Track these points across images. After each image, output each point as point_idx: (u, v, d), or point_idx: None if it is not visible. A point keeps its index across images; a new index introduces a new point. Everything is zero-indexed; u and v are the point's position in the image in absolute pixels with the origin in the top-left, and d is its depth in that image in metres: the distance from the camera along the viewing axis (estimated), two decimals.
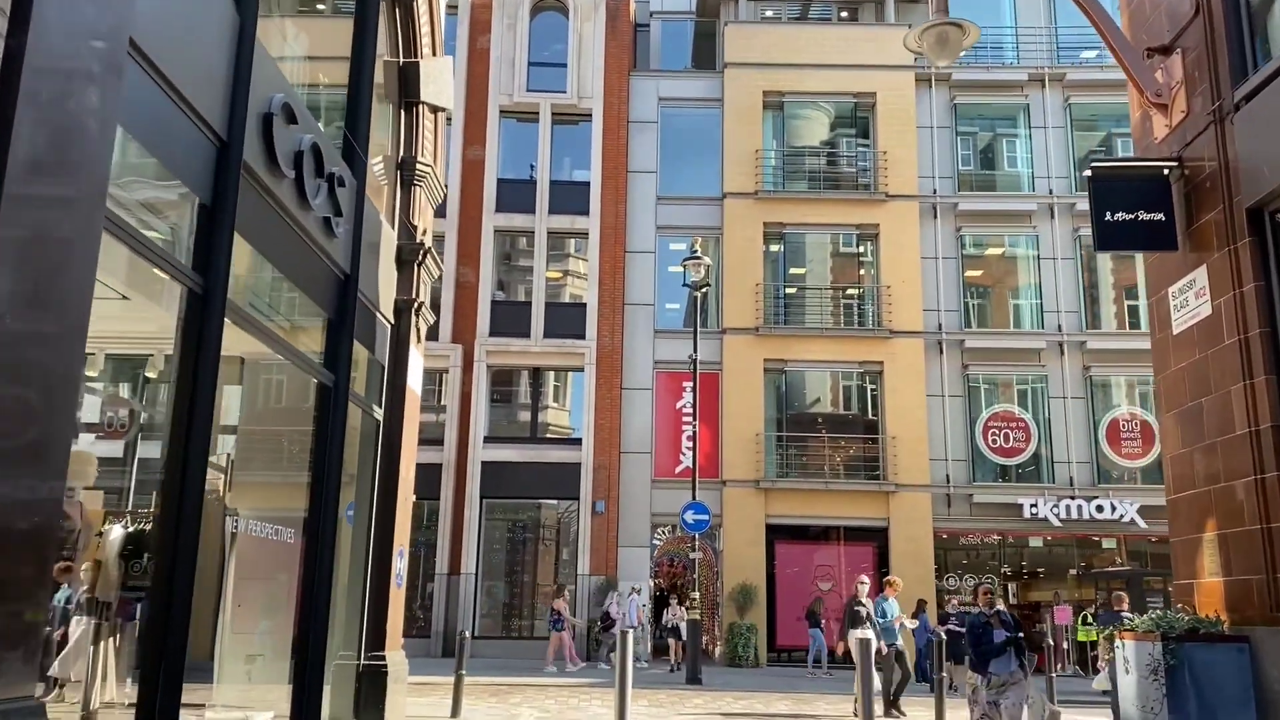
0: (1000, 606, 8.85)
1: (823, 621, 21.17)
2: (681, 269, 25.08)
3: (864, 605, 14.42)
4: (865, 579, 14.84)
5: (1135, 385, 24.28)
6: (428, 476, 24.19)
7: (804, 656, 22.31)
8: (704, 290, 20.51)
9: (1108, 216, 8.24)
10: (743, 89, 25.63)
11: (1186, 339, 7.93)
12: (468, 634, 13.54)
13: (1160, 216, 8.08)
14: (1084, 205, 24.75)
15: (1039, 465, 23.92)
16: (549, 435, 25.45)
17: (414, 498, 9.86)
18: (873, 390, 24.59)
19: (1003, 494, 23.45)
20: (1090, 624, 22.40)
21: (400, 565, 9.09)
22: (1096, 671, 20.90)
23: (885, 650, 13.77)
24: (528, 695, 15.84)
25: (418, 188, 9.60)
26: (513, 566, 25.10)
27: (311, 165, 6.65)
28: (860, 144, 26.00)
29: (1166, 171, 8.25)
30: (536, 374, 25.38)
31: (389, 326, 9.15)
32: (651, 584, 24.01)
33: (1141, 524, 22.71)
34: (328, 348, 7.38)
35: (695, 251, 19.95)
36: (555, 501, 25.12)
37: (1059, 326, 24.34)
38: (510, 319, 25.18)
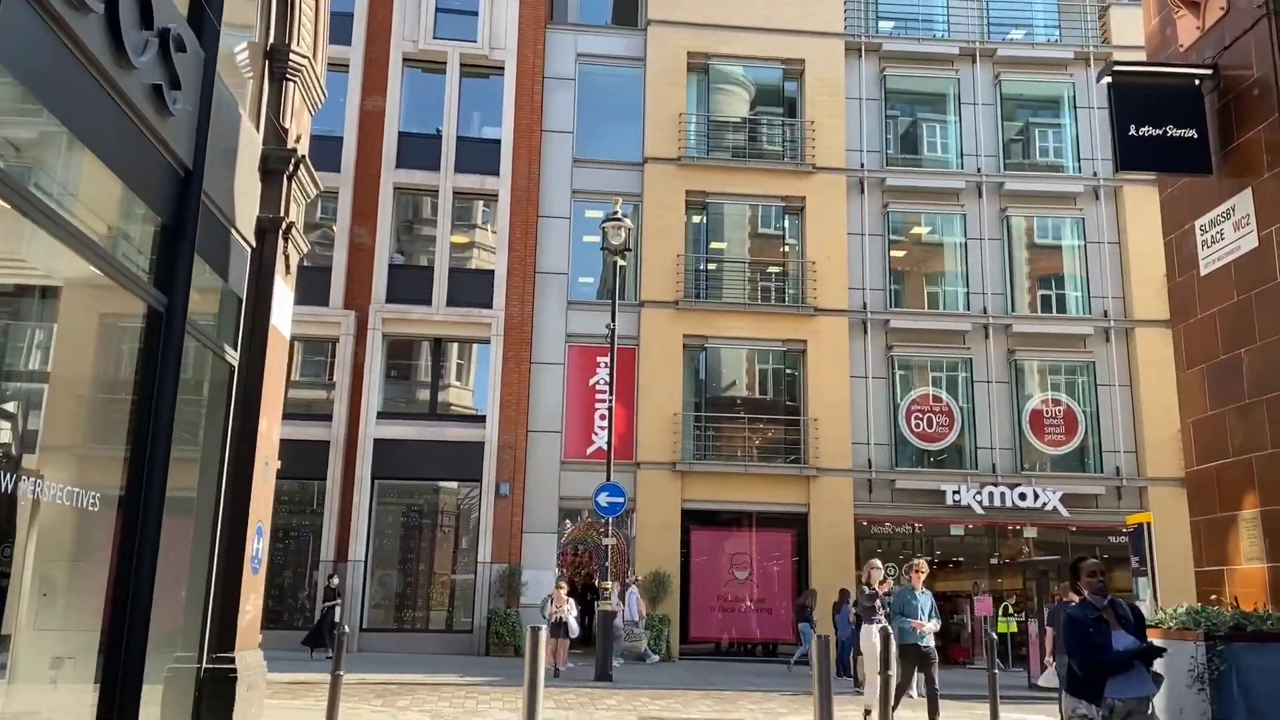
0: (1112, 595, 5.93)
1: (814, 617, 19.91)
2: (599, 237, 23.56)
3: (876, 596, 12.92)
4: (878, 563, 13.05)
5: (1060, 371, 23.70)
6: (314, 455, 22.18)
7: (715, 649, 21.16)
8: (623, 256, 18.98)
9: (1132, 131, 6.99)
10: (666, 48, 24.17)
11: (1220, 280, 6.77)
12: (346, 628, 11.74)
13: (1191, 133, 6.90)
14: (1012, 185, 24.18)
15: (962, 451, 23.14)
16: (450, 412, 23.63)
17: (278, 463, 8.09)
18: (794, 371, 23.46)
19: (926, 480, 22.58)
20: (1010, 615, 21.68)
21: (259, 546, 7.35)
22: (1020, 665, 20.21)
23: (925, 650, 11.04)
24: (419, 696, 14.13)
25: (291, 84, 7.80)
26: (407, 553, 23.22)
27: (134, 9, 4.92)
28: (787, 115, 24.79)
29: (1198, 82, 7.06)
30: (438, 345, 23.52)
31: (249, 250, 7.37)
32: (556, 573, 22.44)
33: (1064, 512, 22.11)
34: (159, 262, 5.62)
35: (616, 213, 18.42)
36: (455, 484, 23.34)
37: (984, 309, 23.59)
38: (410, 285, 23.26)
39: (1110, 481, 22.61)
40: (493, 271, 23.42)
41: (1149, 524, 13.25)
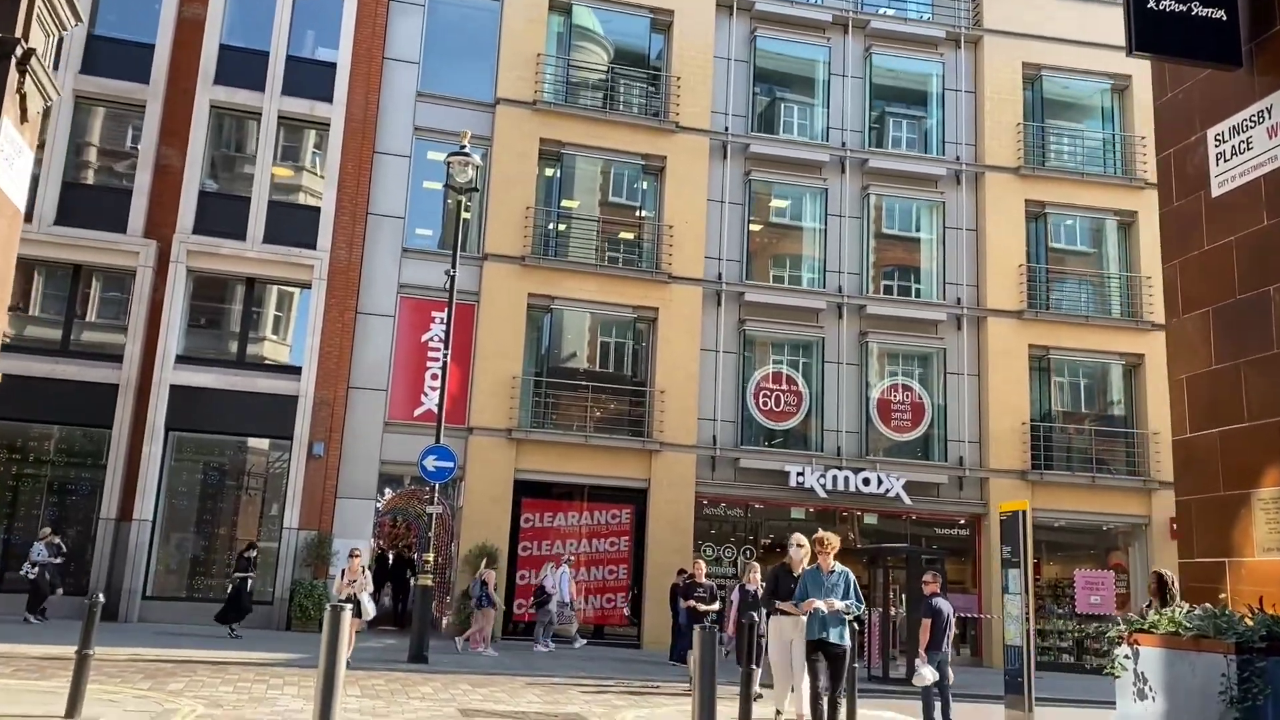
0: None
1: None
2: (442, 184, 21.63)
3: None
4: (802, 540, 10.66)
5: (910, 357, 23.30)
6: (100, 400, 19.50)
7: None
8: (469, 199, 17.14)
9: (1151, 4, 5.78)
10: None
11: (1241, 201, 5.57)
12: (101, 598, 9.66)
13: (1220, 14, 5.73)
14: (877, 163, 23.60)
15: (808, 432, 22.42)
16: (262, 361, 21.21)
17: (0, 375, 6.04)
18: (644, 340, 22.18)
19: (770, 460, 21.74)
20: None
21: None
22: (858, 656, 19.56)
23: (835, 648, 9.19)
24: (198, 678, 12.07)
25: None
26: (204, 515, 20.71)
27: None
28: (652, 70, 23.38)
29: None
30: (251, 286, 21.03)
31: None
32: (372, 544, 20.50)
33: (906, 500, 21.70)
34: None
35: (464, 148, 16.56)
36: (264, 440, 20.99)
37: (839, 288, 22.92)
38: (223, 216, 20.67)
39: (953, 471, 22.37)
40: (319, 209, 21.09)
41: (1025, 512, 12.52)
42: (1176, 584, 7.22)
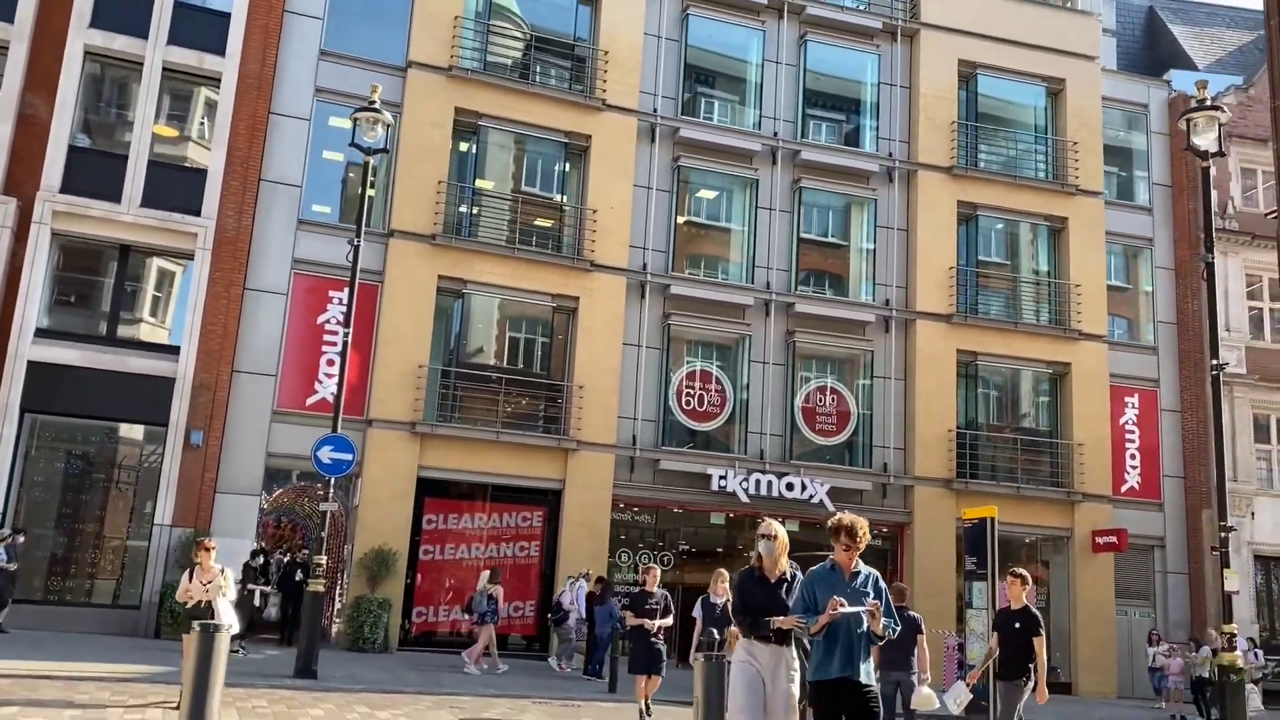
0: None
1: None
2: (342, 155, 19.88)
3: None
4: (775, 528, 8.72)
5: (837, 359, 22.40)
6: None
7: (447, 641, 18.11)
8: (377, 162, 15.46)
9: None
10: None
11: None
12: None
13: None
14: (808, 155, 22.64)
15: (731, 434, 21.31)
16: (135, 338, 19.05)
17: None
18: (562, 332, 20.73)
19: (692, 462, 20.55)
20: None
21: None
22: None
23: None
24: (42, 694, 10.17)
25: None
26: (64, 509, 18.48)
27: None
28: (579, 41, 21.97)
29: None
30: (125, 254, 18.88)
31: None
32: (256, 545, 18.59)
33: (830, 506, 20.63)
34: None
35: (374, 103, 14.87)
36: (136, 427, 18.88)
37: (767, 284, 21.88)
38: (95, 175, 18.49)
39: (877, 478, 21.53)
40: (205, 172, 19.06)
41: (993, 519, 11.55)
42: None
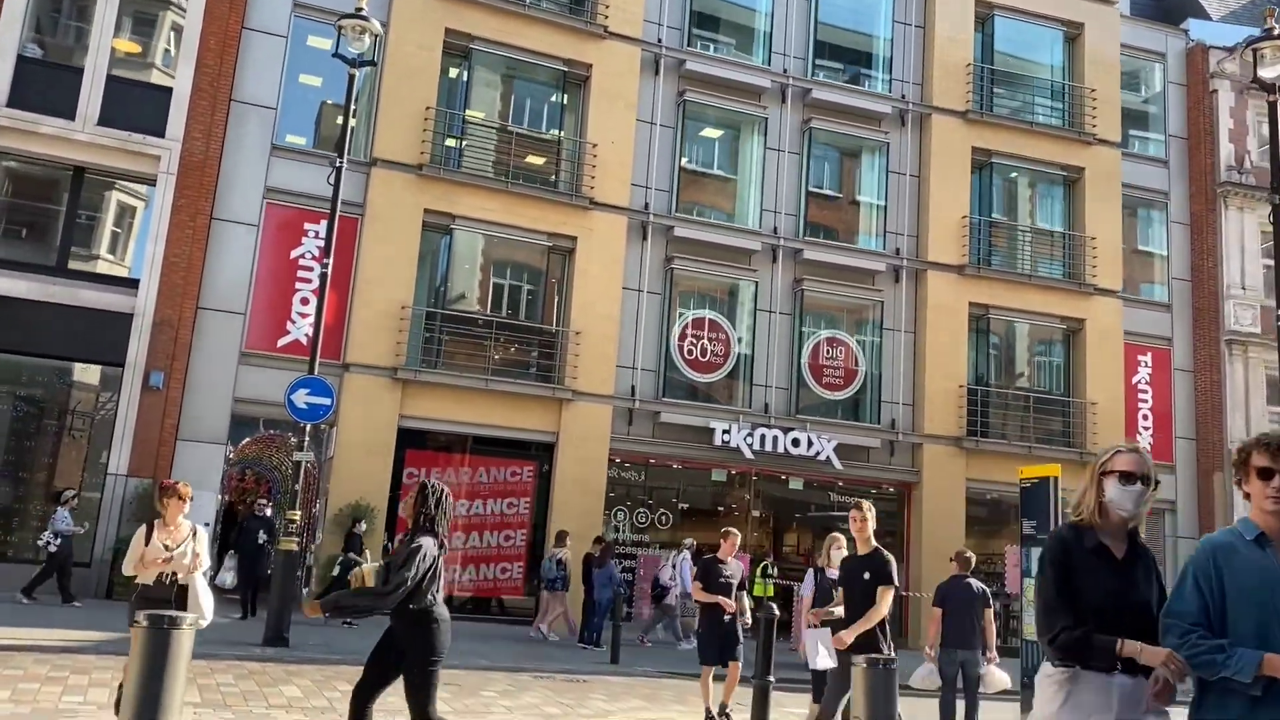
0: None
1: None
2: (321, 79, 18.27)
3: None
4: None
5: (845, 309, 21.20)
6: None
7: None
8: (364, 70, 13.90)
9: None
10: None
11: None
12: None
13: None
14: (819, 94, 21.29)
15: (735, 386, 20.08)
16: (91, 270, 17.37)
17: None
18: (558, 274, 19.31)
19: (695, 415, 19.30)
20: (771, 575, 18.85)
21: None
22: (783, 637, 17.40)
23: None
24: None
25: None
26: (7, 454, 16.86)
27: None
28: None
29: None
30: (80, 176, 17.14)
31: None
32: (219, 499, 17.11)
33: (837, 464, 19.65)
34: None
35: (361, 9, 13.26)
36: (91, 367, 17.26)
37: (775, 229, 20.58)
38: (47, 89, 16.73)
39: (885, 434, 20.44)
40: (170, 90, 17.33)
41: (1056, 479, 10.43)
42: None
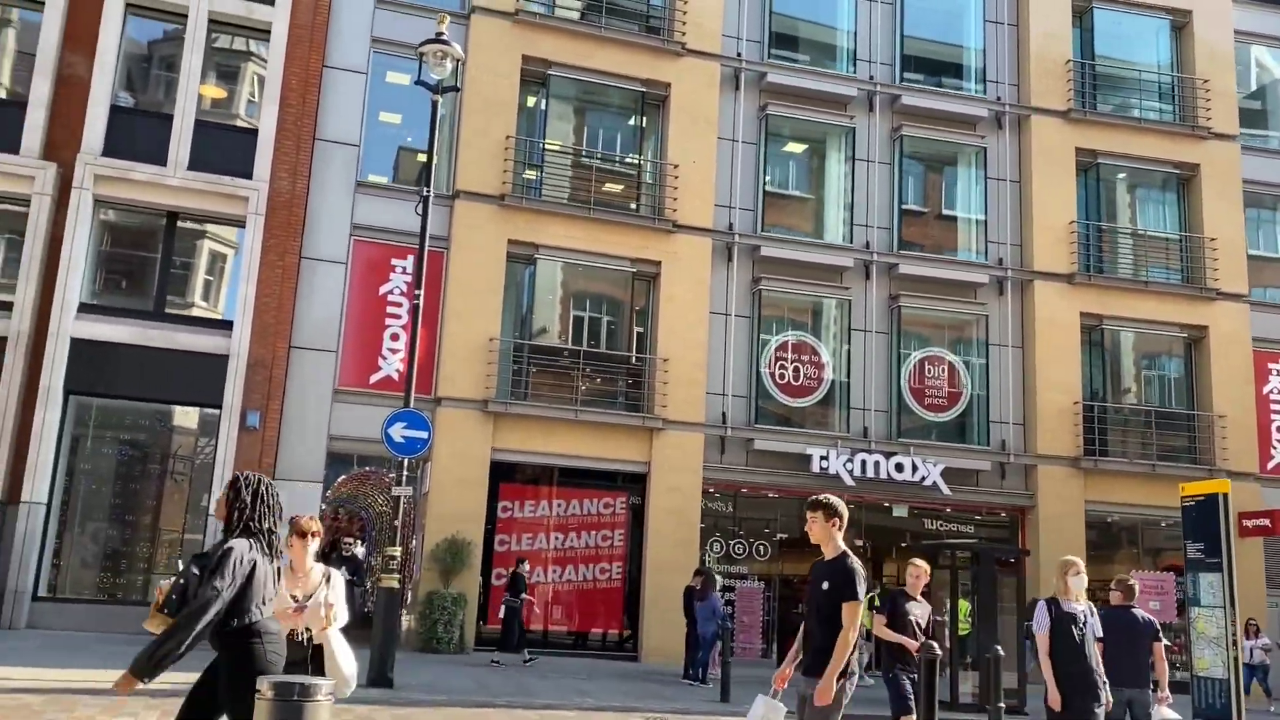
0: None
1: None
2: (400, 117, 18.27)
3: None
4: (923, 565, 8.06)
5: (946, 325, 20.29)
6: None
7: (526, 639, 16.38)
8: (445, 97, 13.73)
9: None
10: None
11: None
12: None
13: None
14: (909, 100, 20.52)
15: (831, 410, 19.33)
16: (185, 313, 17.61)
17: None
18: (643, 300, 18.91)
19: (790, 441, 18.62)
20: (877, 608, 17.94)
21: None
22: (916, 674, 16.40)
23: None
24: (78, 715, 8.61)
25: None
26: (114, 498, 17.13)
27: None
28: None
29: None
30: (173, 221, 17.42)
31: None
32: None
33: (945, 489, 18.71)
34: None
35: (441, 34, 13.12)
36: (189, 409, 17.46)
37: (867, 244, 19.83)
38: (139, 137, 17.05)
39: (995, 456, 19.41)
40: (256, 131, 17.52)
41: (1225, 495, 9.50)
42: None
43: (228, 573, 4.50)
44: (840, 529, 5.92)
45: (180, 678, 11.01)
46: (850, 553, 5.88)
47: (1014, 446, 19.50)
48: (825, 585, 5.78)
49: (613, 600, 18.08)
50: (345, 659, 5.73)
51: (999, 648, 9.34)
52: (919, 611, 8.37)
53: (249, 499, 4.81)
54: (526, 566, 16.13)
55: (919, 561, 8.40)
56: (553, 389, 18.02)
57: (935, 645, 8.09)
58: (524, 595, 15.72)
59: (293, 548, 5.77)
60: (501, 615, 15.74)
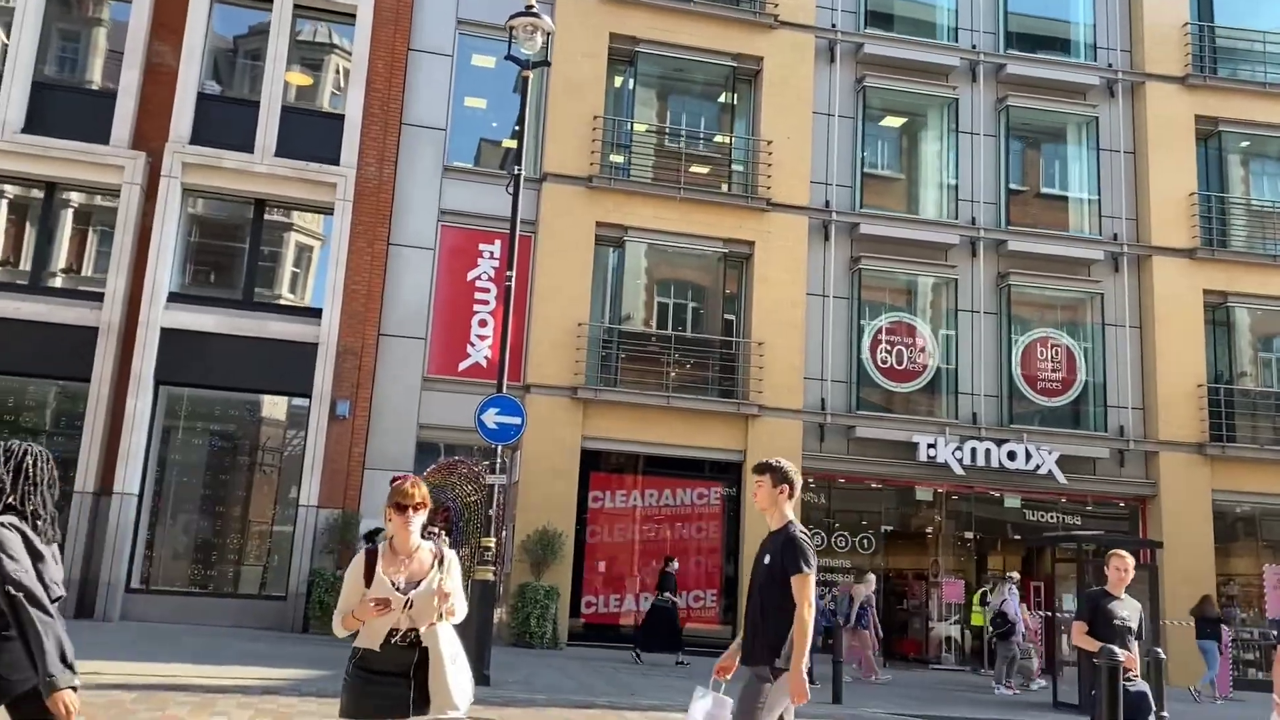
0: None
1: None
2: (486, 101, 17.83)
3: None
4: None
5: (1060, 304, 19.18)
6: (73, 343, 15.82)
7: (618, 634, 15.79)
8: (536, 70, 13.20)
9: None
10: None
11: None
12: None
13: None
14: (1014, 69, 19.45)
15: (937, 396, 18.39)
16: (273, 301, 17.41)
17: None
18: (736, 281, 18.19)
19: (895, 429, 17.73)
20: (989, 604, 16.99)
21: None
22: (998, 665, 15.48)
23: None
24: (171, 713, 8.24)
25: None
26: (203, 488, 17.00)
27: None
28: None
29: None
30: (261, 208, 17.22)
31: None
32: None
33: (1060, 478, 17.65)
34: None
35: (532, 7, 12.58)
36: (278, 398, 17.26)
37: (973, 220, 18.83)
38: (227, 125, 16.87)
39: (1113, 443, 18.26)
40: (342, 116, 17.23)
41: None
42: None
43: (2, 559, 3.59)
44: (789, 497, 5.19)
45: (275, 673, 10.68)
46: (796, 522, 5.16)
47: (1133, 432, 18.33)
48: (767, 560, 5.06)
49: (709, 594, 17.40)
50: (456, 675, 4.45)
51: (1159, 650, 8.34)
52: (1125, 612, 6.96)
53: (10, 474, 3.85)
54: (676, 565, 15.49)
55: (1123, 553, 7.13)
56: (642, 375, 17.42)
57: (1117, 651, 6.84)
58: (668, 594, 15.02)
59: (392, 520, 4.56)
60: (646, 613, 15.23)
